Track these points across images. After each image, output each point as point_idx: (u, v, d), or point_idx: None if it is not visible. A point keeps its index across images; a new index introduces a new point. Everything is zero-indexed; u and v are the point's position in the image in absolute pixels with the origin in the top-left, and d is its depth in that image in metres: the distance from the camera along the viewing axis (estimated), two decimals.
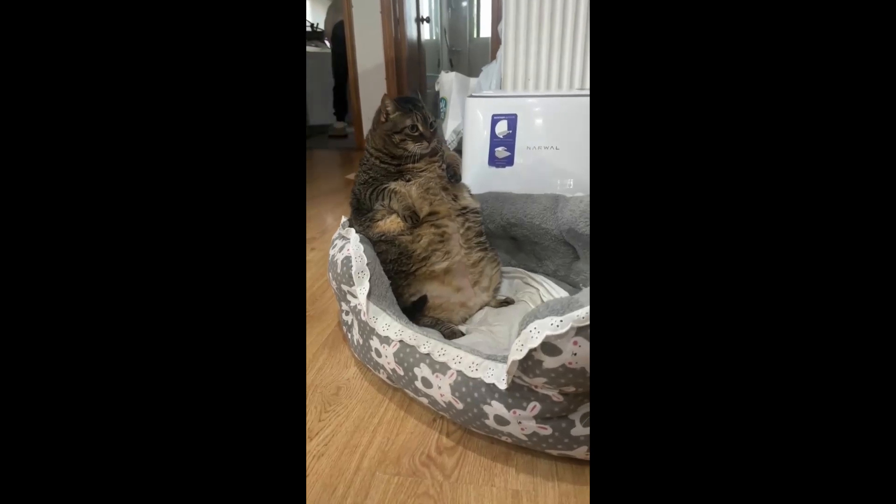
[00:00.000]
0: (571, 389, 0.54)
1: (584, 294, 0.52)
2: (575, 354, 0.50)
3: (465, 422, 0.65)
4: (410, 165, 0.91)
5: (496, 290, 1.01)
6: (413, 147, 0.90)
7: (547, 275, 1.06)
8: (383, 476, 0.63)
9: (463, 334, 0.90)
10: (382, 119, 0.92)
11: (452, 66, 5.09)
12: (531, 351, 0.52)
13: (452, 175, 0.93)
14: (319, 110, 4.11)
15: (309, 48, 4.17)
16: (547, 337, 0.50)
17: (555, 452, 0.61)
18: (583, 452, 0.59)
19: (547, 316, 0.51)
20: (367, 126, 3.47)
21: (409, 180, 0.91)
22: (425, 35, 4.79)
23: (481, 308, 0.99)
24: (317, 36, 4.63)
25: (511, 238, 1.08)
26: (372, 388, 0.82)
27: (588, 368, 0.51)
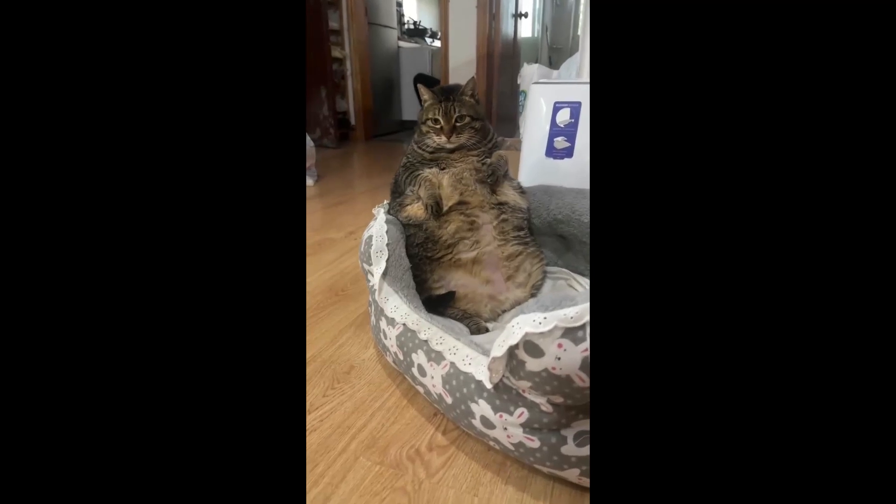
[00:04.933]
0: (560, 400, 0.47)
1: (585, 294, 0.45)
2: (559, 359, 0.43)
3: (454, 418, 0.60)
4: (445, 155, 0.88)
5: (535, 287, 0.93)
6: (435, 139, 0.87)
7: None
8: (366, 462, 0.61)
9: (488, 331, 0.84)
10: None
11: (551, 64, 4.94)
12: (513, 349, 0.46)
13: (491, 174, 0.88)
14: (410, 106, 4.21)
15: (407, 44, 4.28)
16: (527, 334, 0.44)
17: (545, 469, 0.54)
18: (575, 475, 0.51)
19: (533, 311, 0.45)
20: None
21: (443, 168, 0.88)
22: (526, 32, 4.71)
23: (517, 306, 0.92)
24: (418, 33, 4.74)
25: (559, 236, 1.00)
26: (383, 372, 0.80)
27: (574, 378, 0.43)
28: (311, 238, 1.46)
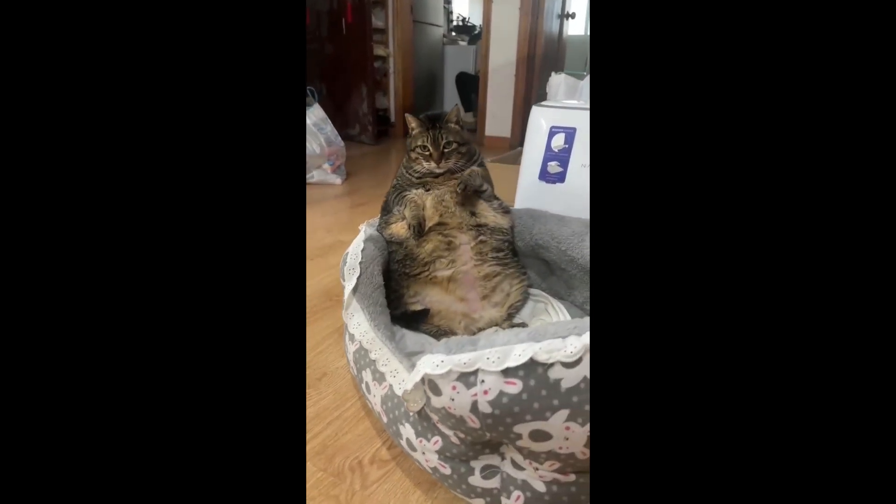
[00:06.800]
0: (462, 436, 0.50)
1: (487, 338, 0.48)
2: (453, 399, 0.46)
3: (391, 435, 0.65)
4: (431, 179, 0.93)
5: (513, 308, 0.96)
6: (425, 165, 0.93)
7: (575, 306, 0.98)
8: (311, 468, 0.66)
9: None
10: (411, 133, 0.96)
11: None
12: (420, 384, 0.49)
13: (464, 189, 0.91)
14: (454, 104, 4.23)
15: (452, 42, 4.30)
16: (427, 374, 0.47)
17: (458, 495, 0.57)
18: None
19: (438, 353, 0.48)
20: (490, 119, 3.48)
21: (428, 190, 0.92)
22: (579, 31, 4.60)
23: (492, 325, 0.95)
24: (465, 30, 4.75)
25: (542, 260, 1.01)
26: (351, 382, 0.85)
27: (467, 419, 0.47)
28: (323, 240, 1.54)
